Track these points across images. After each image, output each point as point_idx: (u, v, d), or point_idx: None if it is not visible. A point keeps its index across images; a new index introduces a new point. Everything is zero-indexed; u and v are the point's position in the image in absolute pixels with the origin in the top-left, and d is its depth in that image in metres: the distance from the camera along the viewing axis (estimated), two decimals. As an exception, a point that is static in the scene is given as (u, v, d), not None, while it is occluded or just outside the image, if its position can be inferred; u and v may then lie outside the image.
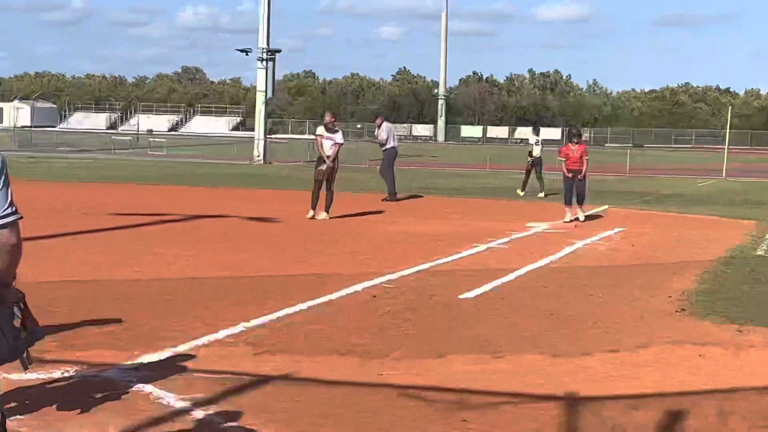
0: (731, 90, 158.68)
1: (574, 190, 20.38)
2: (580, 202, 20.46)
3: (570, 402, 7.00)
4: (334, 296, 10.92)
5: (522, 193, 28.31)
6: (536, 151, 28.80)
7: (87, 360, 7.72)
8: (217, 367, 7.64)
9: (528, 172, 28.95)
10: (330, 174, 19.83)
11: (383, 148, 26.16)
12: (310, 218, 19.44)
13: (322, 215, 19.58)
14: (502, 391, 7.22)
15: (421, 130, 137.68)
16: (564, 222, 20.05)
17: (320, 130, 20.26)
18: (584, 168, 20.52)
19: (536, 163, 28.69)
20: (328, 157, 19.80)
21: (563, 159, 20.62)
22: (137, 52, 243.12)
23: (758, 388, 7.49)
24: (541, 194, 27.96)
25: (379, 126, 26.49)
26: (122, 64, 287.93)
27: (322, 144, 19.97)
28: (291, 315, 9.79)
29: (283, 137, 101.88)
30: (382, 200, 24.89)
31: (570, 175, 20.42)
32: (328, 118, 20.35)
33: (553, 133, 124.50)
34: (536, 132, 30.49)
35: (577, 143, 20.66)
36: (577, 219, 20.13)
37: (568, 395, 7.12)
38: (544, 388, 7.28)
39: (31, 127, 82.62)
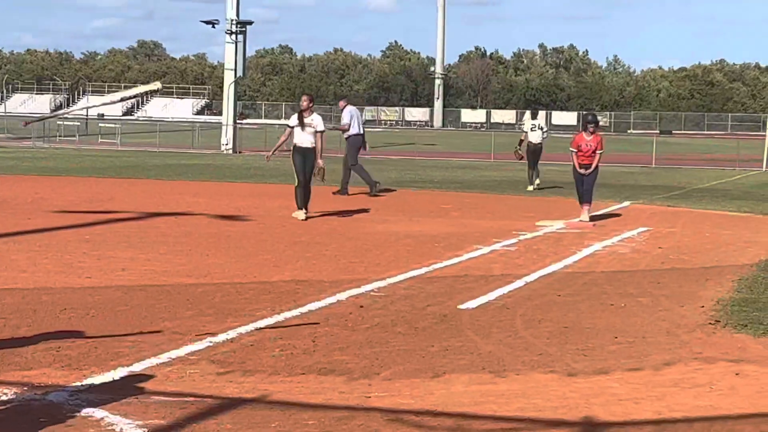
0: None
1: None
2: (587, 201, 20.23)
3: (587, 428, 7.02)
4: (314, 306, 10.92)
5: (531, 188, 28.66)
6: (534, 137, 29.21)
7: (29, 381, 7.71)
8: (179, 388, 7.64)
9: (529, 162, 29.47)
10: (313, 169, 19.59)
11: (346, 135, 26.23)
12: (303, 220, 19.06)
13: (301, 213, 19.39)
14: (509, 415, 7.23)
15: (416, 114, 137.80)
16: (580, 221, 20.05)
17: (293, 120, 19.95)
18: (595, 161, 20.25)
19: (534, 151, 29.15)
20: (305, 149, 19.47)
21: (574, 150, 20.40)
22: (86, 24, 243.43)
23: (803, 411, 7.51)
24: (534, 185, 28.73)
25: (342, 109, 26.73)
26: (69, 38, 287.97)
27: (289, 135, 19.80)
28: (264, 328, 9.79)
29: (255, 122, 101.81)
30: (368, 194, 25.00)
31: (581, 170, 20.20)
32: (304, 103, 19.94)
33: (568, 117, 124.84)
34: (534, 116, 31.44)
35: (592, 132, 20.42)
36: (582, 220, 19.88)
37: (584, 420, 7.14)
38: (557, 413, 7.30)
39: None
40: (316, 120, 19.71)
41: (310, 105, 19.93)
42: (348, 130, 25.94)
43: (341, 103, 27.16)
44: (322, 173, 19.59)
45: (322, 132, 19.73)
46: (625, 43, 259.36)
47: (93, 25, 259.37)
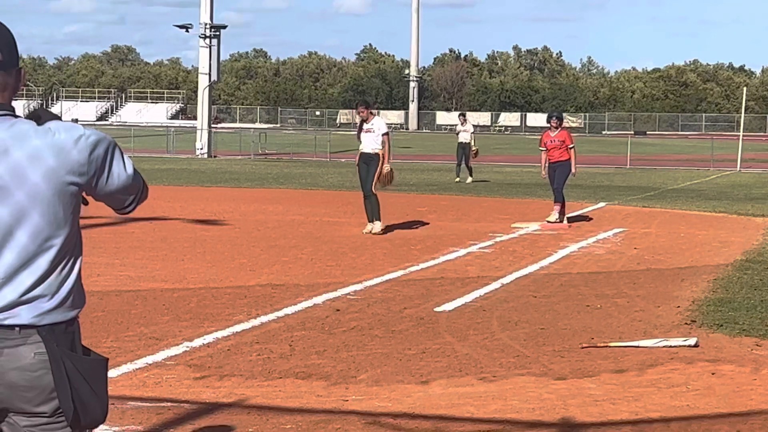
0: (746, 68, 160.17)
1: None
2: (557, 200, 20.03)
3: (564, 429, 7.03)
4: (290, 310, 10.91)
5: (469, 180, 33.03)
6: (460, 138, 34.06)
7: (3, 388, 7.67)
8: (155, 393, 7.62)
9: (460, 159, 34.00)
10: (387, 176, 18.20)
11: None
12: (380, 232, 17.98)
13: (377, 225, 18.20)
14: (486, 417, 7.23)
15: (390, 116, 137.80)
16: (546, 221, 19.89)
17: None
18: (572, 160, 20.24)
19: (462, 148, 33.74)
20: (367, 155, 18.20)
21: (543, 148, 20.44)
22: (58, 29, 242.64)
23: (779, 410, 7.54)
24: (458, 179, 33.23)
25: None
26: (41, 43, 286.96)
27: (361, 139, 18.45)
28: (241, 333, 9.77)
29: (230, 126, 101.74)
30: None
31: (553, 169, 20.05)
32: (361, 113, 18.39)
33: (543, 119, 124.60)
34: (461, 119, 35.46)
35: (557, 128, 20.43)
36: (559, 220, 19.70)
37: (562, 422, 7.15)
38: (534, 414, 7.31)
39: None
40: (376, 124, 18.36)
41: (369, 112, 18.50)
42: None
43: None
44: (386, 178, 18.26)
45: (386, 134, 18.23)
46: (598, 44, 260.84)
47: (66, 30, 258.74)
